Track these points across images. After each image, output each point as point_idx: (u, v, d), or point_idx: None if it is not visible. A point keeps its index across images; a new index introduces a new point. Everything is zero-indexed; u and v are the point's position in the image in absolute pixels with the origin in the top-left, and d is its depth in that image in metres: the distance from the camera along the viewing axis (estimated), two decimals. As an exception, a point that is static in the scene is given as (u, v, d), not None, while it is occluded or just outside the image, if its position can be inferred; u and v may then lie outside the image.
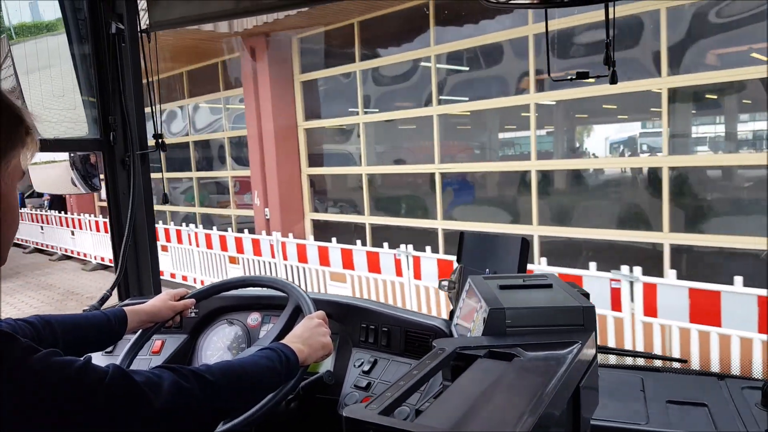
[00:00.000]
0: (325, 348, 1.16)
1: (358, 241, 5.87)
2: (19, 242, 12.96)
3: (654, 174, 5.40)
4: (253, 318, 1.60)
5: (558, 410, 0.73)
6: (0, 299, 8.09)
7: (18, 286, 9.01)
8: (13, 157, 0.83)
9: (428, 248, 5.21)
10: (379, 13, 7.07)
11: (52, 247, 11.45)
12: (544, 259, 4.60)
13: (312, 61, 8.19)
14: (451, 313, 1.34)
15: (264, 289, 1.49)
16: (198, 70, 9.85)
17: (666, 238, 5.17)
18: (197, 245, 7.60)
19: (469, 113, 6.98)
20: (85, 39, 1.81)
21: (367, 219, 7.75)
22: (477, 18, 6.38)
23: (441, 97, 6.84)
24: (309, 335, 1.15)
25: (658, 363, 1.71)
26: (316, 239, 6.67)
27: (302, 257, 6.28)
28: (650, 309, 3.81)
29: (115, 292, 1.91)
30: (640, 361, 1.70)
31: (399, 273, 5.39)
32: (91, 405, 0.75)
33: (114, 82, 1.83)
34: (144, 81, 1.92)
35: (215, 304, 1.61)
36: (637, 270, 3.84)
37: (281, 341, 1.11)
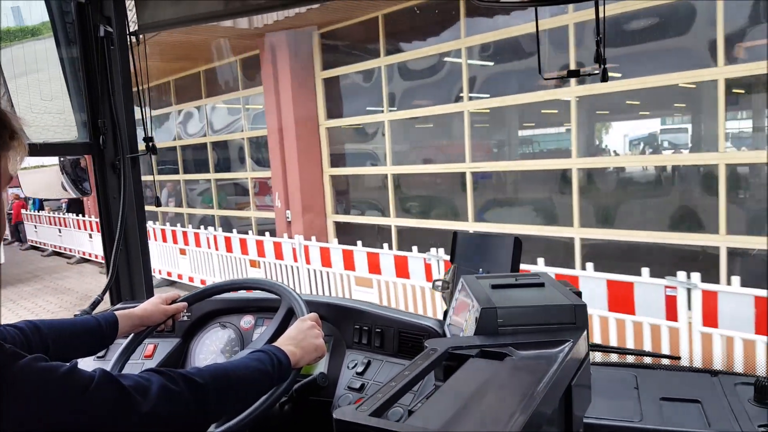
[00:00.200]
0: (318, 350, 1.15)
1: (385, 245, 5.67)
2: (38, 245, 12.98)
3: (710, 172, 4.95)
4: (246, 321, 1.59)
5: (550, 409, 0.73)
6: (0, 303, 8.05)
7: (36, 290, 8.96)
8: None
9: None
10: (406, 5, 6.71)
11: (70, 250, 11.39)
12: (590, 264, 4.15)
13: (334, 58, 7.87)
14: (445, 313, 1.34)
15: (257, 291, 1.49)
16: (215, 69, 9.58)
17: (723, 240, 4.74)
18: (216, 248, 7.43)
19: (499, 107, 6.47)
20: (73, 42, 1.80)
21: (393, 221, 7.42)
22: (509, 8, 5.99)
23: (471, 94, 6.45)
24: (302, 337, 1.14)
25: (651, 360, 1.72)
26: (337, 242, 6.47)
27: (326, 261, 6.07)
28: (710, 319, 3.53)
29: (106, 296, 1.90)
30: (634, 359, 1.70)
31: (429, 278, 5.13)
32: (77, 410, 0.75)
33: (103, 85, 1.82)
34: (135, 89, 1.91)
35: (208, 307, 1.60)
36: (695, 276, 3.59)
37: (274, 344, 1.11)
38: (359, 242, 5.79)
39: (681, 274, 3.64)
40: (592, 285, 3.96)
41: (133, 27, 1.84)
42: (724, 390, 1.25)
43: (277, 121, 7.95)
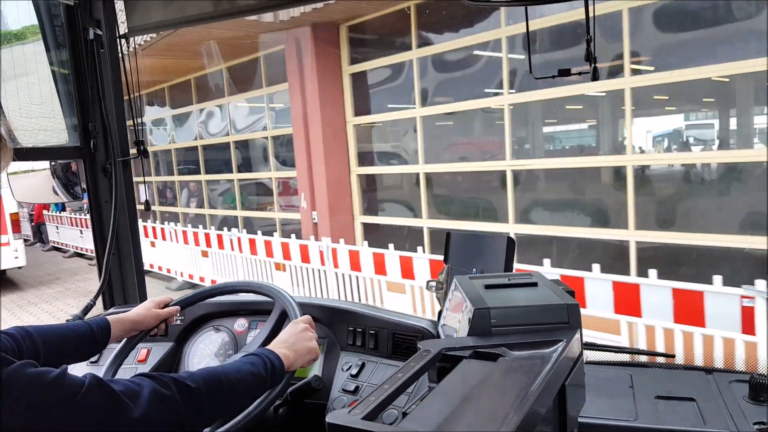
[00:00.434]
0: (311, 352, 1.15)
1: (419, 248, 5.31)
2: (59, 246, 12.90)
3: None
4: (240, 324, 1.58)
5: (544, 409, 0.73)
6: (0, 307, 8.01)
7: (58, 293, 8.87)
8: None
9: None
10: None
11: (91, 251, 11.12)
12: (653, 272, 3.72)
13: (361, 52, 7.41)
14: (439, 314, 1.34)
15: (250, 294, 1.48)
16: (238, 66, 9.15)
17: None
18: (240, 251, 7.14)
19: (547, 101, 5.95)
20: (62, 45, 1.79)
21: (425, 222, 6.92)
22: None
23: (503, 90, 5.96)
24: (295, 340, 1.14)
25: (646, 358, 1.72)
26: (362, 243, 6.14)
27: (355, 265, 5.73)
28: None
29: (99, 300, 1.89)
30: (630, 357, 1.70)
31: None
32: (67, 415, 0.75)
33: (93, 88, 1.81)
34: (127, 97, 1.90)
35: (201, 310, 1.59)
36: (775, 284, 3.23)
37: (267, 347, 1.10)
38: (391, 245, 5.43)
39: (760, 283, 3.28)
40: (656, 294, 3.65)
41: (122, 29, 1.82)
42: (719, 388, 1.25)
43: (302, 118, 7.60)
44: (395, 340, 1.38)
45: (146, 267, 9.05)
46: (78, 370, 1.45)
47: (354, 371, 1.38)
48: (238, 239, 7.16)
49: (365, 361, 1.39)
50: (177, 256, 8.39)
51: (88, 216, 11.38)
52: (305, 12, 6.68)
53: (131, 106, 1.89)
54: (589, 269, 3.99)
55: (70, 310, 7.76)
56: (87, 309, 1.72)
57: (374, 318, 1.43)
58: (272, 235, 6.85)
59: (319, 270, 6.18)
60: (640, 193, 5.09)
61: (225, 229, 7.58)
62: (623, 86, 4.99)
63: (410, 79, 6.83)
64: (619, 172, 5.31)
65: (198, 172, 10.61)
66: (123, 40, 1.82)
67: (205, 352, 1.57)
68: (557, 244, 5.73)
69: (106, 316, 1.29)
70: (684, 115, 5.46)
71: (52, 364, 0.84)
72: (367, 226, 7.65)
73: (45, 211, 13.33)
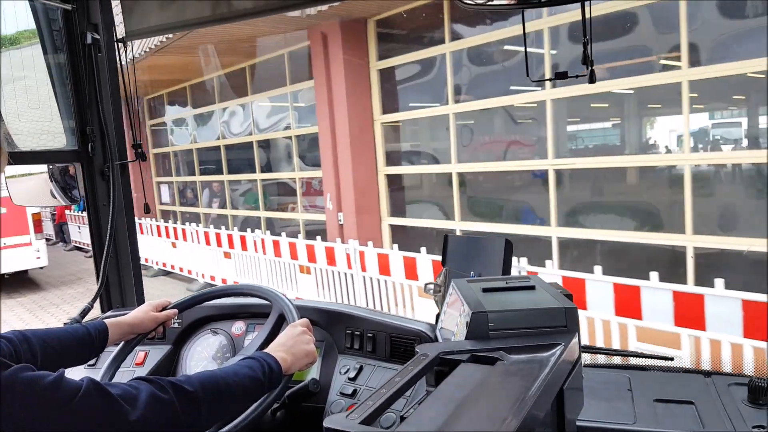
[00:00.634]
0: (309, 356, 1.15)
1: None
2: (81, 246, 12.85)
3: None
4: (238, 327, 1.58)
5: (542, 413, 0.73)
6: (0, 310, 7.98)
7: (79, 294, 8.81)
8: None
9: (548, 262, 4.26)
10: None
11: None
12: (719, 281, 3.43)
13: (390, 47, 7.10)
14: (437, 317, 1.33)
15: (247, 297, 1.48)
16: (261, 64, 8.92)
17: None
18: (264, 252, 6.99)
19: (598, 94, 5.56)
20: (60, 49, 1.79)
21: (458, 224, 6.55)
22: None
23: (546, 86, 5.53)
24: (292, 343, 1.13)
25: (645, 361, 1.72)
26: (391, 246, 5.94)
27: (384, 269, 5.49)
28: None
29: (97, 303, 1.88)
30: (631, 360, 1.70)
31: None
32: (63, 419, 0.75)
33: (91, 92, 1.81)
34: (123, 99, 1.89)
35: (199, 313, 1.59)
36: None
37: (264, 350, 1.10)
38: (423, 248, 5.17)
39: None
40: (724, 306, 3.38)
41: (120, 33, 1.82)
42: (717, 391, 1.25)
43: (328, 116, 7.34)
44: (393, 343, 1.38)
45: (167, 268, 9.13)
46: (76, 373, 1.45)
47: (352, 374, 1.38)
48: (262, 241, 7.00)
49: (363, 365, 1.39)
50: (198, 257, 8.30)
51: None
52: (333, 6, 6.48)
53: (129, 109, 1.89)
54: (642, 277, 3.68)
55: (93, 311, 7.80)
56: (85, 312, 1.72)
57: (372, 321, 1.43)
58: (296, 237, 6.63)
59: (345, 273, 5.98)
60: (697, 194, 4.71)
61: (249, 230, 7.40)
62: (680, 79, 4.61)
63: (442, 75, 6.48)
64: (672, 172, 4.98)
65: (220, 172, 10.46)
66: (120, 44, 1.82)
67: (202, 356, 1.57)
68: (604, 249, 5.38)
69: (104, 320, 1.28)
70: (709, 113, 5.21)
71: (50, 368, 0.84)
72: (394, 228, 7.41)
73: (67, 211, 13.28)
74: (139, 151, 1.88)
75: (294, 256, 6.55)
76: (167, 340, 1.59)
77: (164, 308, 1.39)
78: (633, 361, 1.50)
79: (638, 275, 3.76)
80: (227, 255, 7.69)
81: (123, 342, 1.33)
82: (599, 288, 3.83)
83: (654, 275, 3.66)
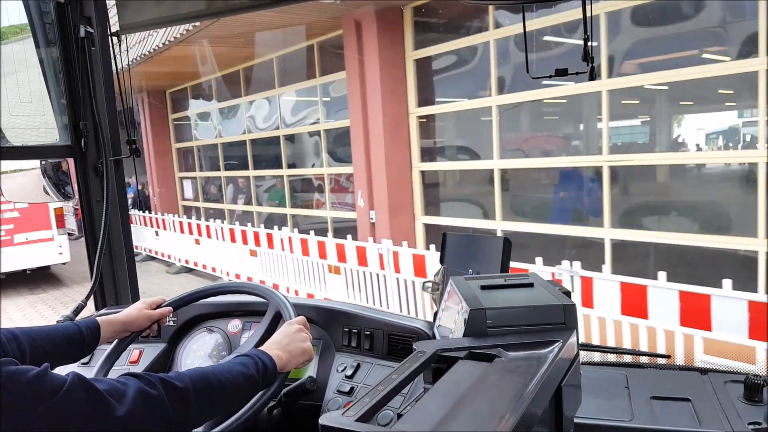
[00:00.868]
0: (305, 354, 1.14)
1: None
2: None
3: None
4: (234, 325, 1.57)
5: (539, 410, 0.72)
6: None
7: None
8: None
9: (603, 266, 3.91)
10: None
11: (137, 247, 10.98)
12: None
13: (428, 36, 6.67)
14: (435, 315, 1.33)
15: (243, 295, 1.47)
16: (290, 54, 8.52)
17: None
18: (291, 251, 6.72)
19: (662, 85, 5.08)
20: (52, 43, 1.77)
21: (499, 224, 6.15)
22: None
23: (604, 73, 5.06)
24: (288, 341, 1.13)
25: (642, 359, 1.72)
26: (426, 246, 5.61)
27: (420, 270, 5.23)
28: None
29: (91, 301, 1.87)
30: (626, 358, 1.70)
31: None
32: (47, 413, 0.75)
33: (84, 86, 1.79)
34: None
35: (194, 311, 1.58)
36: None
37: (260, 348, 1.09)
38: None
39: None
40: None
41: (114, 27, 1.80)
42: (714, 388, 1.25)
43: (361, 109, 6.93)
44: (390, 340, 1.37)
45: (190, 265, 9.03)
46: (68, 371, 1.44)
47: (349, 372, 1.37)
48: (289, 239, 6.75)
49: (360, 362, 1.38)
50: (223, 254, 8.15)
51: (132, 212, 11.30)
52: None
53: (123, 103, 1.87)
54: (720, 286, 3.33)
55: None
56: (78, 310, 1.70)
57: (369, 319, 1.42)
58: (325, 235, 6.35)
59: (378, 274, 5.70)
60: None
61: (275, 228, 7.17)
62: (757, 67, 4.20)
63: (484, 65, 6.04)
64: (743, 170, 4.55)
65: (245, 167, 10.21)
66: (114, 38, 1.80)
67: (198, 354, 1.56)
68: (661, 253, 4.97)
69: (96, 318, 1.27)
70: (738, 111, 4.94)
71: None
72: (428, 228, 7.03)
73: None
74: (134, 147, 1.86)
75: (323, 255, 6.30)
76: (162, 338, 1.58)
77: (159, 306, 1.38)
78: (629, 358, 1.50)
79: (696, 281, 3.46)
80: (253, 253, 7.49)
81: (117, 340, 1.32)
82: (662, 296, 3.48)
83: (727, 283, 3.29)
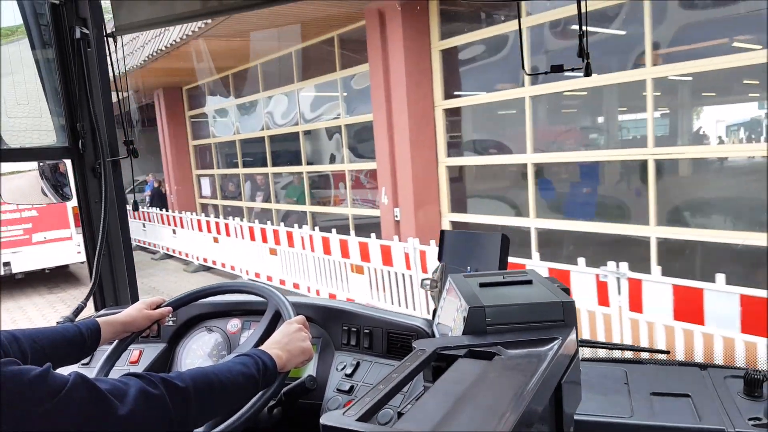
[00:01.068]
0: (304, 353, 1.14)
1: (536, 254, 4.37)
2: None
3: None
4: (233, 324, 1.57)
5: (540, 407, 0.72)
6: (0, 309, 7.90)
7: None
8: None
9: (655, 268, 3.62)
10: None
11: (154, 245, 11.07)
12: None
13: (455, 25, 6.34)
14: (434, 313, 1.33)
15: (243, 294, 1.47)
16: (310, 47, 8.25)
17: None
18: (312, 250, 6.60)
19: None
20: (48, 44, 1.76)
21: (533, 222, 5.79)
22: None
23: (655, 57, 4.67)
24: (288, 341, 1.13)
25: (642, 355, 1.72)
26: None
27: None
28: None
29: (90, 302, 1.86)
30: (626, 354, 1.70)
31: (604, 301, 3.74)
32: (50, 413, 0.75)
33: (81, 88, 1.78)
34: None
35: (193, 311, 1.58)
36: None
37: (260, 347, 1.09)
38: None
39: None
40: None
41: (110, 28, 1.80)
42: (714, 383, 1.25)
43: (384, 103, 6.66)
44: (390, 339, 1.38)
45: (209, 264, 8.97)
46: (69, 371, 1.44)
47: (349, 371, 1.37)
48: (310, 237, 6.60)
49: (360, 361, 1.38)
50: (242, 253, 8.05)
51: (150, 209, 11.04)
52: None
53: (120, 104, 1.87)
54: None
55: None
56: (78, 311, 1.70)
57: (369, 317, 1.42)
58: (345, 233, 6.16)
59: (403, 274, 5.55)
60: None
61: (296, 226, 7.05)
62: None
63: (515, 54, 5.78)
64: None
65: (263, 164, 10.01)
66: (110, 39, 1.79)
67: (198, 353, 1.56)
68: (710, 252, 4.66)
69: (96, 318, 1.27)
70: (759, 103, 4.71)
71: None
72: (455, 226, 6.68)
73: None
74: (131, 148, 1.86)
75: (345, 254, 6.12)
76: (162, 339, 1.58)
77: (159, 306, 1.38)
78: (629, 354, 1.50)
79: (753, 284, 3.24)
80: (273, 251, 7.38)
81: (117, 341, 1.32)
82: (721, 300, 3.25)
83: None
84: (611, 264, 3.70)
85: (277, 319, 1.31)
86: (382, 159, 6.90)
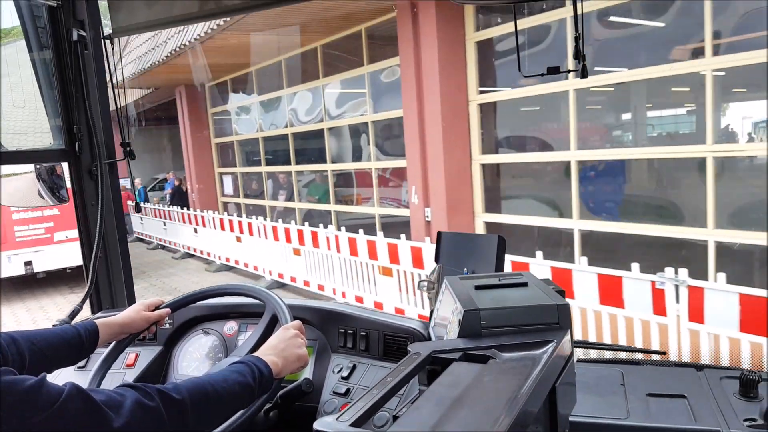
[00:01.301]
0: (300, 360, 1.13)
1: (583, 258, 4.09)
2: (144, 238, 12.61)
3: None
4: (230, 327, 1.57)
5: (534, 409, 0.73)
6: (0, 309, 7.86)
7: (143, 290, 8.50)
8: None
9: (719, 275, 3.35)
10: None
11: (175, 244, 10.96)
12: None
13: (491, 16, 6.02)
14: (430, 314, 1.33)
15: (240, 297, 1.46)
16: (336, 42, 7.99)
17: None
18: (338, 250, 6.35)
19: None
20: (45, 46, 1.76)
21: (576, 223, 5.43)
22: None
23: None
24: (284, 347, 1.12)
25: (638, 356, 1.72)
26: None
27: None
28: None
29: (87, 304, 1.86)
30: (622, 355, 1.70)
31: (660, 311, 3.49)
32: (44, 423, 0.74)
33: (78, 90, 1.78)
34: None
35: (190, 313, 1.58)
36: None
37: (255, 354, 1.09)
38: (539, 253, 4.24)
39: None
40: None
41: (107, 30, 1.80)
42: (709, 384, 1.26)
43: (416, 98, 6.34)
44: (386, 341, 1.37)
45: (231, 263, 8.87)
46: (65, 375, 1.43)
47: (345, 373, 1.37)
48: (336, 237, 6.37)
49: (356, 363, 1.38)
50: (265, 252, 7.88)
51: (172, 207, 10.94)
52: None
53: (117, 106, 1.87)
54: None
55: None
56: (74, 313, 1.70)
57: (365, 320, 1.42)
58: (372, 233, 5.92)
59: None
60: None
61: (321, 225, 6.81)
62: None
63: (558, 45, 5.36)
64: None
65: (287, 162, 9.83)
66: (107, 41, 1.79)
67: (194, 356, 1.56)
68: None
69: (94, 320, 1.27)
70: None
71: (39, 370, 0.83)
72: (489, 227, 6.42)
73: (129, 201, 13.21)
74: (128, 150, 1.86)
75: (373, 255, 5.85)
76: (158, 341, 1.58)
77: (157, 308, 1.38)
78: (625, 355, 1.50)
79: None
80: (297, 252, 7.18)
81: (114, 343, 1.32)
82: None
83: None
84: (669, 270, 3.46)
85: (274, 323, 1.31)
86: (412, 156, 6.58)
